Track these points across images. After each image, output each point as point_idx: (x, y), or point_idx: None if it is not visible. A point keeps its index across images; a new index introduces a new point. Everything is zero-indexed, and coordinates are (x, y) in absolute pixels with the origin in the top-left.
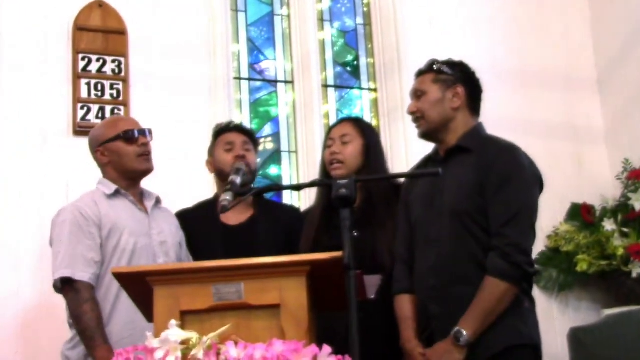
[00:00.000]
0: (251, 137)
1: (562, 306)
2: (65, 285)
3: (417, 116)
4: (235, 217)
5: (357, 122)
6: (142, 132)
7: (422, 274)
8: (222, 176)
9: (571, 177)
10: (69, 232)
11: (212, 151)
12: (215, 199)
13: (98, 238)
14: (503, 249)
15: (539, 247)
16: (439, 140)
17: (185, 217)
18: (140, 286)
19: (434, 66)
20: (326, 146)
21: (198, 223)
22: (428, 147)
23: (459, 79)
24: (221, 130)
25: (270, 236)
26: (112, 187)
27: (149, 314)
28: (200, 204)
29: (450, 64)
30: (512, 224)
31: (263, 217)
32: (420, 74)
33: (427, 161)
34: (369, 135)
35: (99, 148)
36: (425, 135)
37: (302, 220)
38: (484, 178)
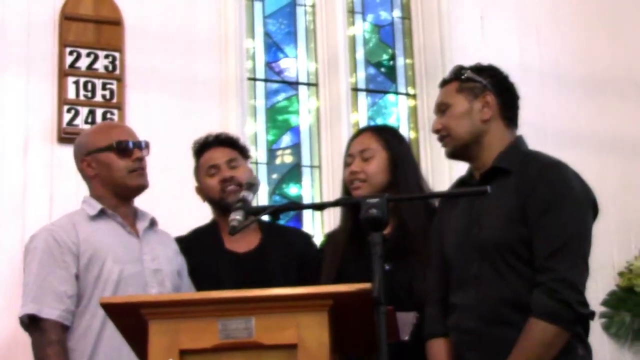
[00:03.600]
0: (236, 147)
1: (637, 357)
2: (31, 323)
3: (443, 134)
4: (242, 244)
5: (379, 132)
6: (138, 144)
7: (458, 316)
8: (214, 204)
9: None
10: (39, 261)
11: (197, 175)
12: (213, 224)
13: (73, 268)
14: (550, 284)
15: (609, 286)
16: (471, 159)
17: (183, 246)
18: (132, 320)
19: (458, 73)
20: (346, 163)
21: (199, 252)
22: None
23: (488, 86)
24: (200, 149)
25: (283, 265)
26: (96, 207)
27: (142, 354)
28: (197, 230)
29: (477, 69)
30: (559, 255)
31: (273, 243)
32: (444, 84)
33: (460, 185)
34: (394, 146)
35: (85, 157)
36: (454, 154)
37: (313, 247)
38: (526, 203)
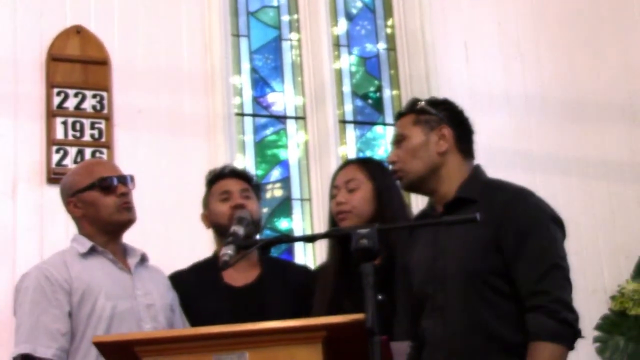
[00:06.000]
0: (251, 182)
1: None
2: None
3: (396, 168)
4: (240, 277)
5: (364, 164)
6: (122, 179)
7: (430, 350)
8: (219, 231)
9: (638, 226)
10: (31, 300)
11: (206, 202)
12: (215, 257)
13: (66, 306)
14: (549, 306)
15: (602, 310)
16: (429, 191)
17: (180, 281)
18: (126, 358)
19: (414, 106)
20: (331, 195)
21: (196, 286)
22: None
23: (444, 119)
24: (215, 178)
25: (281, 300)
26: (86, 245)
27: None
28: (196, 265)
29: (433, 102)
30: (548, 278)
31: (272, 277)
32: (400, 116)
33: (423, 219)
34: (379, 177)
35: (71, 199)
36: (410, 187)
37: (313, 281)
38: (499, 233)
